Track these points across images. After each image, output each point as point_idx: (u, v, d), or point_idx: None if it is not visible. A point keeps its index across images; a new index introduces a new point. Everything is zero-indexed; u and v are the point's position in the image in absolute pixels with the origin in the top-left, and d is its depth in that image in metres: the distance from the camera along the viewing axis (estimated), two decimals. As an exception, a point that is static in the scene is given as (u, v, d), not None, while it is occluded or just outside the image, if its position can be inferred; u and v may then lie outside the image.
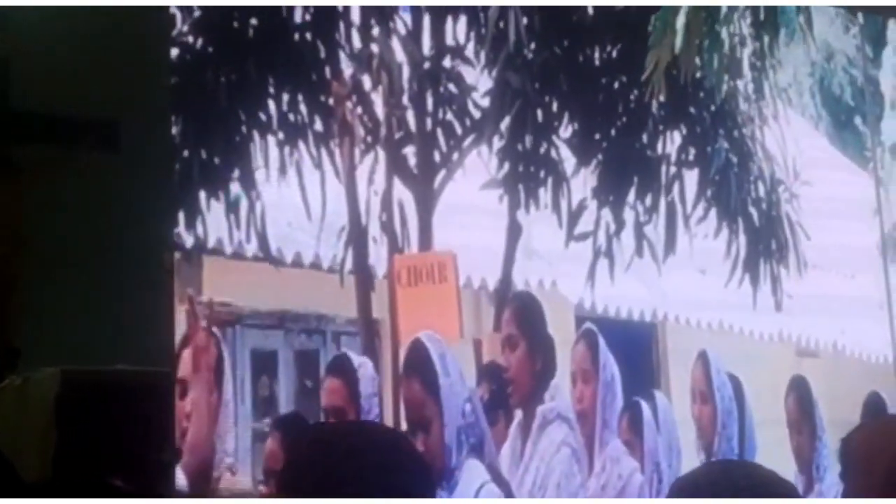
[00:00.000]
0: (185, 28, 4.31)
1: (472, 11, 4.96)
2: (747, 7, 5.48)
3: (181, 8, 4.31)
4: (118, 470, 3.19)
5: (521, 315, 4.79)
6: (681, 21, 5.22)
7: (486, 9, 4.96)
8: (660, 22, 5.21)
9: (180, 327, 4.07)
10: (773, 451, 5.29)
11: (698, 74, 5.42)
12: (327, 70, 4.61)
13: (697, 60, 5.33)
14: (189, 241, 4.18)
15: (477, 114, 4.91)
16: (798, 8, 5.78)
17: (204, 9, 4.35)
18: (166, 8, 4.21)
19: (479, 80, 4.94)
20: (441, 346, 4.52)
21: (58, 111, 3.74)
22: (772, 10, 5.60)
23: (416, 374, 4.52)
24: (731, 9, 5.46)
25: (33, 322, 3.62)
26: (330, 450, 2.03)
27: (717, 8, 5.45)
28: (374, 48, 4.71)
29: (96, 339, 3.61)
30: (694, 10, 5.28)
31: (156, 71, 4.08)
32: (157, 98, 4.04)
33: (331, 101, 4.60)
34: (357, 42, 4.68)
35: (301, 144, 4.50)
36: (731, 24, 5.42)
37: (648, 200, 5.25)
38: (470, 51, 4.94)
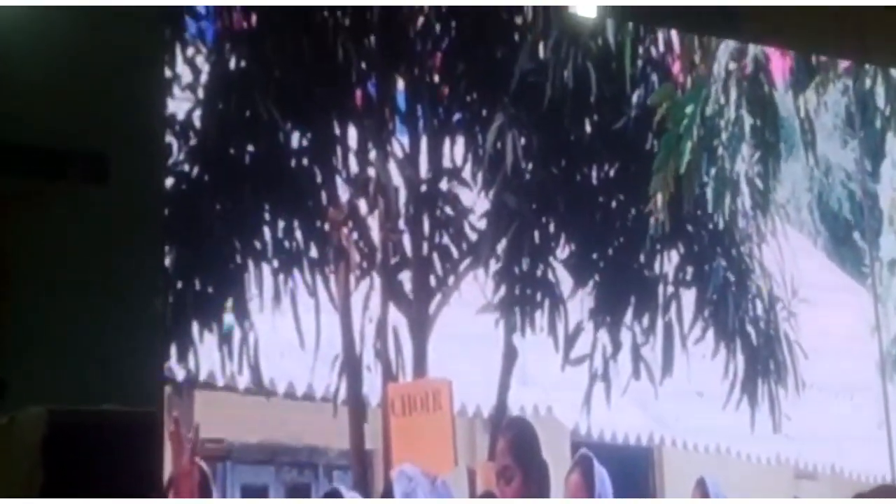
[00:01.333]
0: (181, 156, 4.27)
1: (469, 132, 4.93)
2: (752, 126, 5.45)
3: (177, 136, 4.28)
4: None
5: (516, 445, 4.71)
6: (687, 147, 5.19)
7: (484, 129, 4.93)
8: (663, 152, 5.18)
9: (168, 464, 3.99)
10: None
11: (696, 191, 5.39)
12: (324, 195, 4.57)
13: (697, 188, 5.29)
14: (181, 374, 4.12)
15: (473, 236, 4.87)
16: (802, 126, 5.75)
17: (200, 136, 4.32)
18: (160, 34, 4.14)
19: (476, 202, 4.90)
20: (409, 483, 4.41)
21: (46, 142, 3.71)
22: (774, 128, 5.58)
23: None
24: (733, 128, 5.43)
25: (19, 358, 3.57)
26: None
27: (718, 126, 5.41)
28: (371, 172, 4.67)
29: (83, 377, 3.57)
30: (698, 137, 5.26)
31: (148, 102, 4.02)
32: (148, 130, 3.99)
33: (326, 226, 4.56)
34: (354, 166, 4.64)
35: (296, 272, 4.45)
36: (733, 147, 5.39)
37: (646, 321, 5.19)
38: (467, 172, 4.90)
